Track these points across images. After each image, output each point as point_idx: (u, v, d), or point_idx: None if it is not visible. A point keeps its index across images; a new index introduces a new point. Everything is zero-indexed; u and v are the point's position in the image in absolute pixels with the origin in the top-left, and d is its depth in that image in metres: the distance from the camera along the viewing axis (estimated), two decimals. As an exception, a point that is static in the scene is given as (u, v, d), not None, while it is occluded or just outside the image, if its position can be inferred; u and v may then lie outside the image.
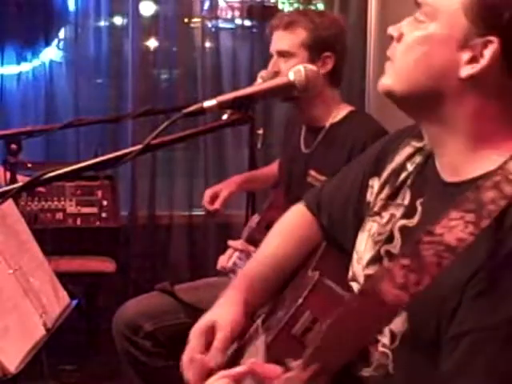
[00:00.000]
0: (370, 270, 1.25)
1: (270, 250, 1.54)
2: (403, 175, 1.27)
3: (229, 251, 2.37)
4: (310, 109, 2.26)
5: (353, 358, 1.11)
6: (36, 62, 3.78)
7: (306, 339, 1.30)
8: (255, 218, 2.62)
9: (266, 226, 2.54)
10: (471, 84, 1.08)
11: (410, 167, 1.26)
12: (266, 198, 2.74)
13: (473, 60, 1.07)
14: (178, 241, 3.95)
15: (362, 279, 1.27)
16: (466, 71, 1.08)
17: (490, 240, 1.02)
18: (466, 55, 1.07)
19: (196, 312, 2.29)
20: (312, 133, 2.31)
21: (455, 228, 1.02)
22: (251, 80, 3.25)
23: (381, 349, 1.17)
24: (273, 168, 2.73)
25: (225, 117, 1.27)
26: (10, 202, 1.82)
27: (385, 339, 1.17)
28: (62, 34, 3.85)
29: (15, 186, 1.16)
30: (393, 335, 1.15)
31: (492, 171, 1.05)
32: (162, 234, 3.95)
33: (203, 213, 2.79)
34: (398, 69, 1.15)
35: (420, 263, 1.02)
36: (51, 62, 3.81)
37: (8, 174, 2.06)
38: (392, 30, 1.17)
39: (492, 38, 1.06)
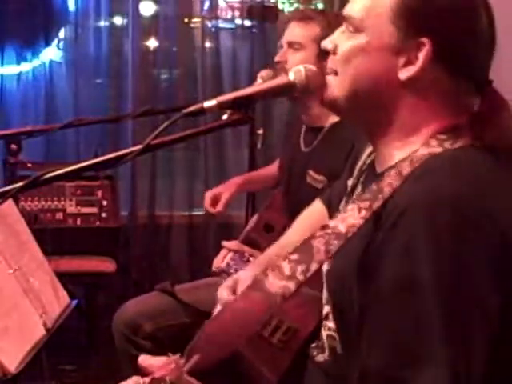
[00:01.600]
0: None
1: (289, 234, 1.74)
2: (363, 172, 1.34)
3: (223, 252, 2.37)
4: (312, 108, 2.26)
5: (240, 346, 1.20)
6: (36, 62, 3.78)
7: (265, 332, 1.36)
8: (254, 219, 2.62)
9: (263, 227, 2.54)
10: (409, 85, 1.13)
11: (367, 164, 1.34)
12: (267, 199, 2.74)
13: (408, 63, 1.12)
14: (177, 241, 3.95)
15: None
16: (403, 74, 1.13)
17: (378, 217, 1.07)
18: (401, 59, 1.13)
19: (196, 312, 2.32)
20: (312, 132, 2.31)
21: (349, 217, 1.09)
22: (251, 80, 3.25)
23: (328, 332, 1.25)
24: (273, 168, 2.73)
25: (225, 117, 1.27)
26: (9, 202, 1.82)
27: (331, 323, 1.24)
28: (62, 33, 3.85)
29: (15, 186, 1.16)
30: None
31: (403, 158, 1.12)
32: (162, 234, 3.95)
33: (203, 213, 2.79)
34: (340, 80, 1.19)
35: (309, 253, 1.09)
36: (51, 62, 3.81)
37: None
38: (326, 43, 1.22)
39: (423, 39, 1.11)
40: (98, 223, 3.40)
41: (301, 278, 1.09)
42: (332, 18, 2.26)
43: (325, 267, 1.32)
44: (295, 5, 4.05)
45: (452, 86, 1.13)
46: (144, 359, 1.24)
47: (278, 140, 3.83)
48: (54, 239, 2.46)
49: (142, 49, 3.93)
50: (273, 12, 4.05)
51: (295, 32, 2.25)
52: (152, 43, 3.97)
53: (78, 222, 3.38)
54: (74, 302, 1.94)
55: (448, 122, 1.13)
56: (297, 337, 1.38)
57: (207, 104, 1.24)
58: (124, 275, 3.71)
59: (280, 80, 1.28)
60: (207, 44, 3.97)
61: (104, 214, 3.42)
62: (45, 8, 3.72)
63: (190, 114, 1.24)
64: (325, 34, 2.21)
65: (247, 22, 4.08)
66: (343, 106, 1.20)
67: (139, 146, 1.19)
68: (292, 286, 1.09)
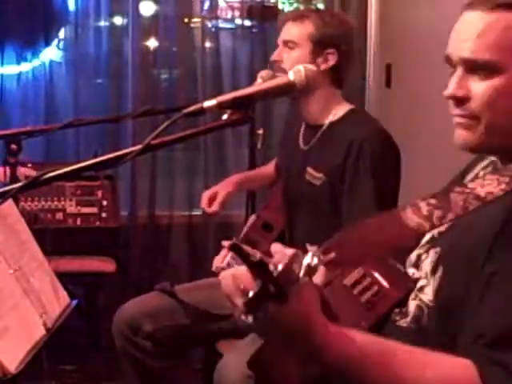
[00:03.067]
0: (422, 250, 1.33)
1: None
2: None
3: (223, 252, 2.37)
4: (310, 106, 2.27)
5: (363, 262, 1.26)
6: (36, 62, 3.78)
7: (355, 290, 1.39)
8: (252, 218, 2.62)
9: (262, 226, 2.54)
10: None
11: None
12: (266, 198, 2.74)
13: None
14: (177, 241, 3.95)
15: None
16: None
17: None
18: None
19: (196, 312, 2.32)
20: (311, 130, 2.31)
21: (488, 185, 1.14)
22: (251, 80, 3.24)
23: (418, 302, 1.27)
24: (270, 167, 2.73)
25: (225, 117, 1.27)
26: (9, 202, 1.82)
27: (425, 297, 1.26)
28: (62, 34, 3.85)
29: (15, 185, 1.16)
30: (433, 293, 1.23)
31: None
32: (162, 234, 3.95)
33: (203, 213, 2.78)
34: (488, 125, 1.19)
35: (447, 203, 1.13)
36: (51, 62, 3.81)
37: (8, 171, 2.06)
38: (455, 91, 1.20)
39: None
40: (97, 223, 3.40)
41: (436, 222, 1.14)
42: (327, 16, 2.27)
43: (415, 252, 1.34)
44: (295, 5, 4.05)
45: None
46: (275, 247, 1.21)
47: (278, 140, 3.82)
48: (54, 239, 2.46)
49: (142, 49, 3.92)
50: (273, 12, 4.05)
51: (290, 31, 2.26)
52: (152, 43, 3.97)
53: (78, 222, 3.38)
54: (74, 302, 1.94)
55: None
56: (384, 302, 1.38)
57: (207, 104, 1.24)
58: (124, 275, 3.71)
59: (280, 80, 1.29)
60: (207, 44, 3.97)
61: (104, 214, 3.41)
62: (45, 8, 3.72)
63: (189, 114, 1.24)
64: (319, 31, 2.23)
65: (247, 22, 4.08)
66: (494, 149, 1.23)
67: (139, 146, 1.19)
68: (427, 226, 1.14)
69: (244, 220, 2.76)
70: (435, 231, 1.29)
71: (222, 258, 2.35)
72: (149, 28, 3.95)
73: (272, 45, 3.94)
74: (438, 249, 1.26)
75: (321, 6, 3.98)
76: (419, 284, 1.31)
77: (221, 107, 1.25)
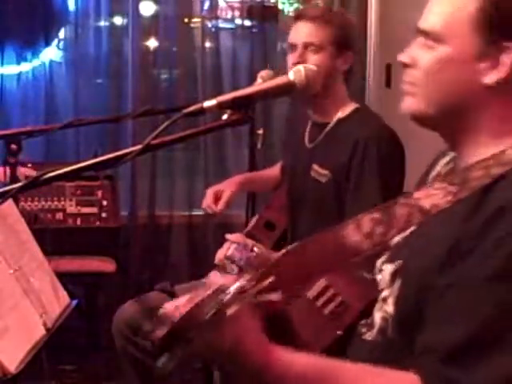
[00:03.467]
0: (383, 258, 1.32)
1: None
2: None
3: (226, 245, 2.36)
4: (320, 104, 2.27)
5: (303, 283, 1.20)
6: (36, 62, 3.78)
7: (318, 302, 1.39)
8: (254, 219, 2.62)
9: (264, 225, 2.54)
10: (495, 90, 1.15)
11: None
12: (267, 199, 2.74)
13: (492, 67, 1.14)
14: (177, 241, 3.95)
15: None
16: (490, 79, 1.14)
17: (469, 208, 1.09)
18: (484, 65, 1.14)
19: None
20: (318, 128, 2.31)
21: (434, 196, 1.10)
22: (251, 80, 3.25)
23: (382, 314, 1.25)
24: (274, 171, 2.73)
25: (225, 117, 1.27)
26: (9, 202, 1.82)
27: (387, 307, 1.24)
28: (62, 33, 3.85)
29: (15, 185, 1.16)
30: (393, 303, 1.22)
31: (488, 157, 1.13)
32: (162, 234, 3.95)
33: (203, 213, 2.78)
34: (425, 92, 1.20)
35: (390, 218, 1.09)
36: (51, 62, 3.81)
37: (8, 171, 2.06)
38: (403, 58, 1.23)
39: (507, 43, 1.12)
40: (98, 223, 3.40)
41: (377, 239, 1.10)
42: (343, 18, 2.28)
43: (381, 260, 1.33)
44: (295, 5, 4.05)
45: None
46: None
47: (278, 140, 3.83)
48: (54, 239, 2.46)
49: (142, 49, 3.93)
50: (273, 12, 4.05)
51: (312, 33, 2.22)
52: (152, 43, 3.98)
53: (78, 222, 3.38)
54: (74, 302, 1.94)
55: None
56: (348, 313, 1.38)
57: (207, 104, 1.24)
58: (124, 275, 3.71)
59: (280, 80, 1.28)
60: (207, 44, 3.98)
61: (104, 214, 3.41)
62: (45, 8, 3.72)
63: (189, 113, 1.24)
64: (340, 35, 2.23)
65: (247, 22, 4.08)
66: (430, 120, 1.21)
67: (139, 146, 1.19)
68: (366, 244, 1.10)
69: (244, 220, 2.76)
70: (398, 237, 1.28)
71: (225, 250, 2.35)
72: (149, 28, 3.96)
73: (272, 45, 3.97)
74: (397, 260, 1.26)
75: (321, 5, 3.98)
76: (383, 294, 1.30)
77: (221, 107, 1.25)
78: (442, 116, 1.19)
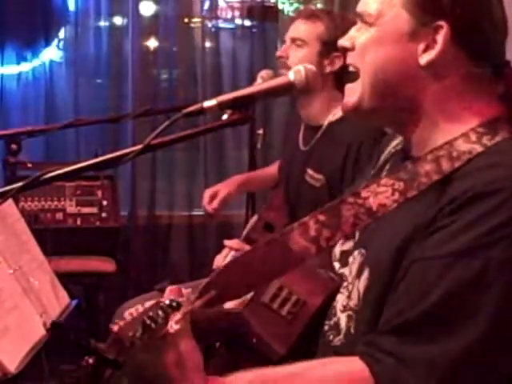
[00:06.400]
0: (346, 246, 1.32)
1: None
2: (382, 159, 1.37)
3: (225, 251, 2.36)
4: (311, 107, 2.27)
5: (249, 293, 1.22)
6: (36, 62, 3.77)
7: (274, 304, 1.39)
8: (254, 219, 2.62)
9: (263, 226, 2.54)
10: (431, 69, 1.14)
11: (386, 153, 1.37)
12: (267, 199, 2.74)
13: (428, 48, 1.13)
14: (177, 241, 3.95)
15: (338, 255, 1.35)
16: (424, 59, 1.14)
17: (412, 210, 1.08)
18: (420, 45, 1.14)
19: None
20: (311, 131, 2.31)
21: (381, 194, 1.09)
22: (251, 80, 3.25)
23: (347, 313, 1.24)
24: (273, 169, 2.73)
25: (225, 117, 1.27)
26: (9, 202, 1.82)
27: (351, 302, 1.23)
28: (62, 33, 3.85)
29: (15, 185, 1.16)
30: (359, 296, 1.20)
31: (439, 146, 1.12)
32: (162, 234, 3.95)
33: (203, 213, 2.79)
34: (362, 78, 1.19)
35: (336, 221, 1.09)
36: (51, 62, 3.81)
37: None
38: (343, 42, 1.24)
39: (440, 23, 1.12)
40: (98, 223, 3.40)
41: (323, 244, 1.10)
42: (338, 19, 2.27)
43: (337, 249, 1.33)
44: (295, 5, 4.05)
45: (472, 68, 1.14)
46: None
47: (278, 140, 3.83)
48: (53, 239, 2.46)
49: (142, 49, 3.93)
50: (273, 12, 4.05)
51: (300, 28, 2.25)
52: (152, 43, 3.97)
53: (78, 222, 3.38)
54: (74, 302, 1.94)
55: (487, 115, 1.14)
56: (306, 309, 1.38)
57: (207, 104, 1.24)
58: (124, 275, 3.70)
59: (280, 80, 1.28)
60: (207, 44, 3.97)
61: (104, 214, 3.41)
62: (45, 8, 3.71)
63: (189, 113, 1.24)
64: (329, 33, 2.23)
65: (247, 22, 4.08)
66: (368, 106, 1.20)
67: (139, 146, 1.19)
68: (313, 249, 1.10)
69: (244, 220, 2.76)
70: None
71: (224, 257, 2.35)
72: (149, 28, 3.95)
73: (272, 45, 3.97)
74: (363, 250, 1.25)
75: (320, 6, 3.98)
76: (348, 289, 1.29)
77: (221, 107, 1.25)
78: (377, 98, 1.18)
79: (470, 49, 1.13)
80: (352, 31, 1.23)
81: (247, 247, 2.25)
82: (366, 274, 1.19)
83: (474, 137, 1.11)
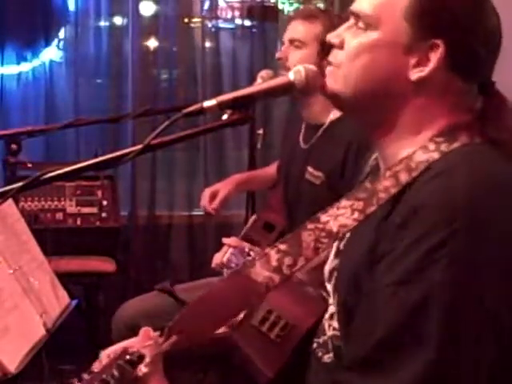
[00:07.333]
0: (333, 264, 1.30)
1: None
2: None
3: (224, 249, 2.37)
4: (312, 106, 2.27)
5: (218, 329, 1.20)
6: (36, 62, 3.77)
7: (263, 328, 1.40)
8: (253, 218, 2.62)
9: (262, 226, 2.54)
10: (419, 86, 1.12)
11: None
12: (266, 198, 2.74)
13: (420, 63, 1.11)
14: (177, 241, 3.95)
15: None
16: (415, 75, 1.11)
17: (381, 215, 1.07)
18: (413, 59, 1.11)
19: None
20: (312, 129, 2.31)
21: (341, 216, 1.10)
22: (251, 80, 3.25)
23: (333, 332, 1.24)
24: (272, 169, 2.74)
25: (225, 117, 1.27)
26: (9, 202, 1.82)
27: (334, 323, 1.23)
28: (62, 33, 3.85)
29: (15, 185, 1.16)
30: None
31: (398, 161, 1.10)
32: (162, 234, 3.95)
33: (203, 213, 2.79)
34: (345, 75, 1.17)
35: (297, 248, 1.09)
36: (51, 62, 3.81)
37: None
38: (332, 37, 1.20)
39: (437, 41, 1.09)
40: (98, 223, 3.40)
41: (286, 271, 1.10)
42: (336, 18, 2.27)
43: (327, 267, 1.32)
44: (295, 5, 4.05)
45: (461, 88, 1.12)
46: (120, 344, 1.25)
47: (278, 140, 3.82)
48: (53, 239, 2.46)
49: (142, 49, 3.92)
50: (273, 12, 4.05)
51: (297, 29, 2.25)
52: (152, 43, 3.97)
53: (78, 222, 3.38)
54: (74, 302, 1.94)
55: (446, 122, 1.12)
56: (294, 333, 1.39)
57: (207, 104, 1.24)
58: (124, 275, 3.70)
59: (280, 80, 1.28)
60: (207, 44, 3.97)
61: (104, 214, 3.41)
62: (45, 8, 3.71)
63: (189, 113, 1.24)
64: (327, 33, 2.22)
65: (247, 22, 4.08)
66: (347, 102, 1.18)
67: (139, 146, 1.19)
68: (277, 278, 1.10)
69: (244, 220, 2.76)
70: (340, 244, 1.27)
71: (222, 254, 2.35)
72: (149, 28, 3.95)
73: (272, 45, 3.97)
74: (335, 272, 1.25)
75: (321, 5, 3.98)
76: (330, 310, 1.28)
77: (221, 107, 1.25)
78: (360, 99, 1.15)
79: (461, 69, 1.11)
80: (342, 28, 1.19)
81: (246, 245, 2.26)
82: (336, 297, 1.21)
83: (432, 146, 1.09)
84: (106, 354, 1.22)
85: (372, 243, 1.07)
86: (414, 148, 1.11)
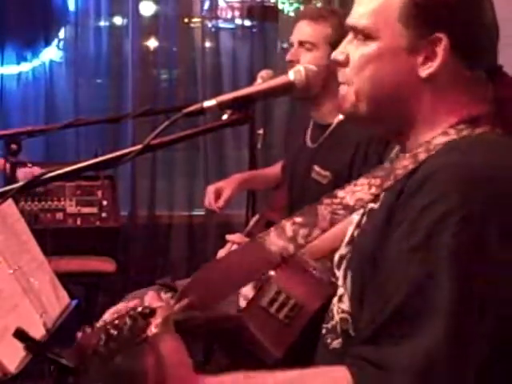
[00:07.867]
0: (343, 251, 1.31)
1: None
2: None
3: (227, 245, 2.37)
4: (323, 105, 2.27)
5: (229, 295, 1.21)
6: (36, 62, 3.78)
7: (271, 308, 1.40)
8: (255, 219, 2.62)
9: (265, 225, 2.54)
10: (430, 81, 1.14)
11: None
12: (267, 198, 2.74)
13: (427, 60, 1.13)
14: (177, 241, 3.95)
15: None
16: (424, 72, 1.14)
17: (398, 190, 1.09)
18: (419, 57, 1.14)
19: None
20: (319, 129, 2.32)
21: (358, 191, 1.11)
22: (251, 80, 3.25)
23: (341, 315, 1.25)
24: (275, 169, 2.74)
25: (225, 117, 1.27)
26: (9, 202, 1.82)
27: (344, 305, 1.24)
28: (62, 33, 3.85)
29: (15, 185, 1.16)
30: (349, 299, 1.22)
31: (418, 144, 1.13)
32: (162, 234, 3.95)
33: (203, 213, 2.79)
34: (356, 90, 1.19)
35: (313, 219, 1.11)
36: (51, 62, 3.81)
37: (8, 166, 2.06)
38: (337, 55, 1.22)
39: (438, 35, 1.12)
40: (98, 223, 3.39)
41: (301, 241, 1.11)
42: (344, 18, 2.26)
43: (337, 253, 1.33)
44: (295, 5, 4.05)
45: (469, 76, 1.15)
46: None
47: (279, 140, 3.83)
48: (54, 239, 2.46)
49: (142, 49, 3.93)
50: (273, 12, 4.05)
51: (306, 31, 2.24)
52: (152, 43, 3.98)
53: (78, 222, 3.38)
54: (74, 302, 1.94)
55: (467, 113, 1.15)
56: (303, 314, 1.39)
57: (207, 104, 1.24)
58: (124, 275, 3.70)
59: (280, 80, 1.28)
60: (207, 44, 3.97)
61: (104, 214, 3.41)
62: (45, 8, 3.71)
63: (189, 113, 1.24)
64: (337, 34, 2.22)
65: (247, 22, 4.08)
66: (365, 116, 1.20)
67: (139, 146, 1.19)
68: (291, 248, 1.11)
69: (244, 220, 2.76)
70: (355, 232, 1.28)
71: (226, 251, 2.35)
72: (149, 28, 3.95)
73: (272, 45, 3.97)
74: (348, 254, 1.26)
75: (320, 5, 3.98)
76: (339, 292, 1.29)
77: (221, 107, 1.25)
78: (376, 110, 1.18)
79: (467, 57, 1.14)
80: (344, 44, 1.22)
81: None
82: (349, 277, 1.21)
83: (453, 131, 1.13)
84: (111, 313, 1.23)
85: (388, 217, 1.09)
86: (434, 134, 1.14)
